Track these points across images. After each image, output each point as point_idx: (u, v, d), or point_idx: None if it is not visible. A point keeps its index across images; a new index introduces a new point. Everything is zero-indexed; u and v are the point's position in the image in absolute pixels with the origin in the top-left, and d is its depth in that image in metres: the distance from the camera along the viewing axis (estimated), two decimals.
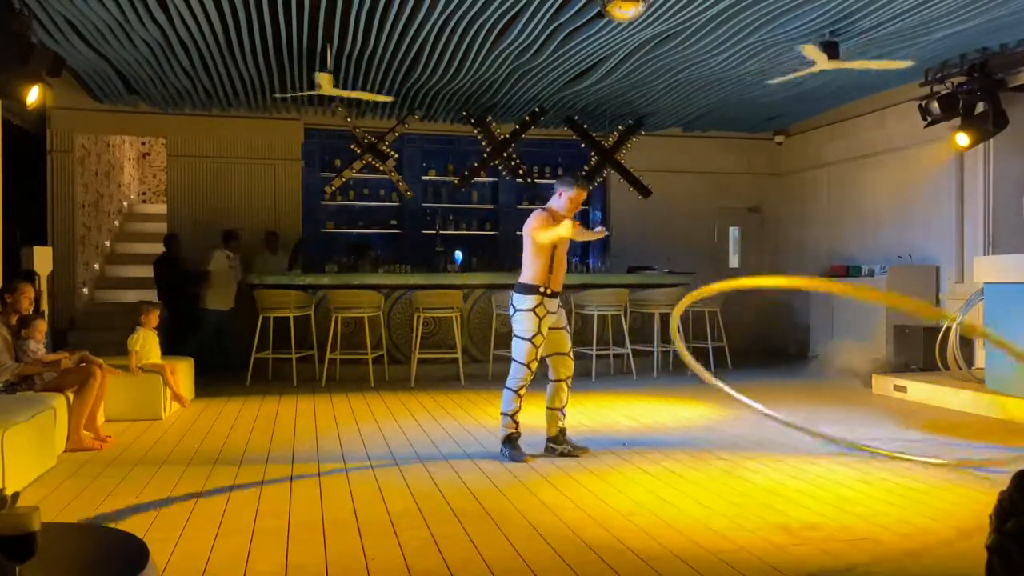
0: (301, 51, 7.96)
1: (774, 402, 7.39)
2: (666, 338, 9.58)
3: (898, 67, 7.51)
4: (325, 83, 7.94)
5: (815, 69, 7.63)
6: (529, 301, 5.11)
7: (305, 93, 8.86)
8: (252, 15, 6.98)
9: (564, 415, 5.37)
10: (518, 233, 5.76)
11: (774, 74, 8.74)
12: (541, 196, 12.01)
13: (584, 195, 5.28)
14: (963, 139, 8.41)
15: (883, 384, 7.92)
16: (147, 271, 10.57)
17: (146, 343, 6.77)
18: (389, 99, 9.07)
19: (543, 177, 11.75)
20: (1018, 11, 6.82)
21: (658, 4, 6.58)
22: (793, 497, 4.19)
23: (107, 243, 12.39)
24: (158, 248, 10.72)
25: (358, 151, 10.39)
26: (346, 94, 8.55)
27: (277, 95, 9.35)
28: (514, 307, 5.20)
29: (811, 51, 7.34)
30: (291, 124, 11.07)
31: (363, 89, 9.13)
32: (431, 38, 7.61)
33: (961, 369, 7.52)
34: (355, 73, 8.71)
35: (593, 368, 8.98)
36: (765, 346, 11.88)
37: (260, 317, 8.78)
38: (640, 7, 6.30)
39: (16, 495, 1.91)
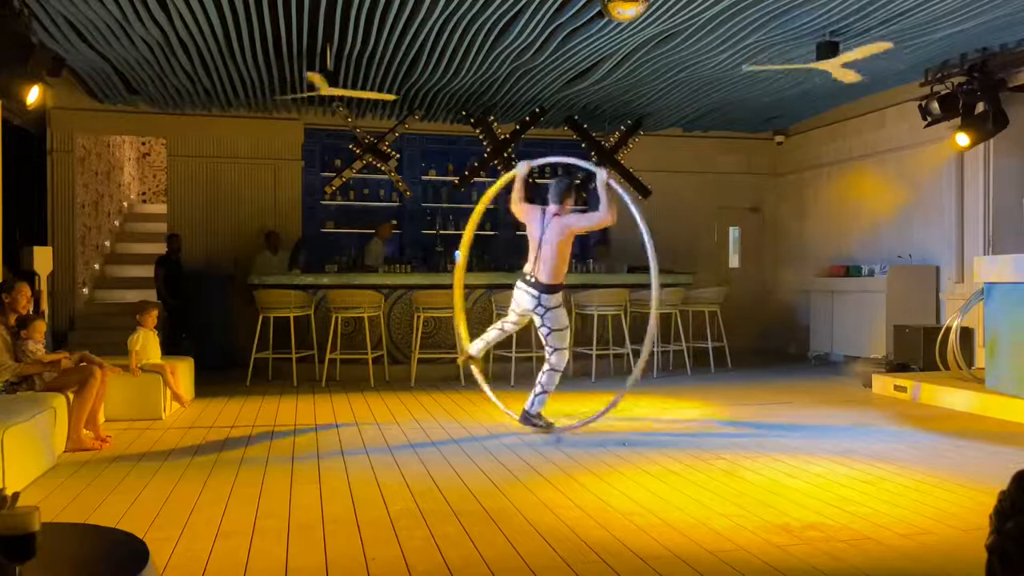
0: (301, 51, 7.96)
1: (774, 402, 7.41)
2: (666, 338, 9.59)
3: (879, 49, 7.35)
4: (318, 82, 7.93)
5: (816, 65, 7.61)
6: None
7: (305, 94, 8.86)
8: (252, 15, 6.98)
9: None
10: (519, 233, 6.01)
11: (774, 74, 8.74)
12: (541, 196, 12.01)
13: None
14: (963, 139, 8.41)
15: (883, 384, 7.92)
16: (147, 271, 10.60)
17: (146, 343, 6.77)
18: (393, 97, 9.05)
19: (543, 177, 11.73)
20: (1018, 11, 6.83)
21: (658, 4, 6.58)
22: (793, 497, 4.19)
23: (107, 243, 12.39)
24: (158, 248, 10.75)
25: (358, 151, 10.39)
26: (346, 93, 8.54)
27: (277, 97, 9.32)
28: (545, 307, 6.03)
29: (841, 73, 7.39)
30: (291, 124, 11.07)
31: (363, 89, 9.12)
32: (431, 38, 7.61)
33: (961, 369, 7.52)
34: (355, 73, 8.71)
35: (593, 368, 8.97)
36: (765, 346, 11.88)
37: (260, 317, 8.78)
38: (640, 7, 6.30)
39: (16, 495, 1.91)
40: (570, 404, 7.04)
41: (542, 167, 11.04)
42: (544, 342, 6.09)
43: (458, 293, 6.79)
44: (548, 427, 5.99)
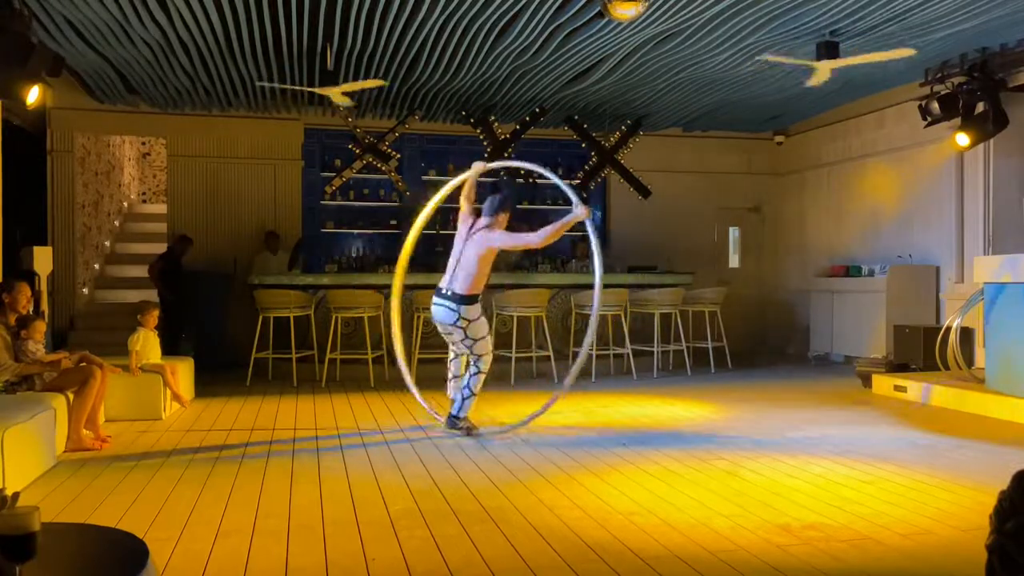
0: (301, 51, 7.96)
1: (774, 402, 7.41)
2: (666, 338, 9.59)
3: (903, 55, 7.35)
4: (337, 98, 7.98)
5: (816, 80, 7.62)
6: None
7: (304, 88, 8.82)
8: (252, 15, 6.98)
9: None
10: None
11: (774, 74, 8.75)
12: (541, 196, 12.03)
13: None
14: (963, 139, 8.41)
15: (883, 384, 7.92)
16: (147, 271, 10.58)
17: (146, 343, 6.77)
18: (383, 83, 8.99)
19: (543, 177, 11.72)
20: (1018, 11, 6.83)
21: (658, 4, 6.58)
22: (793, 497, 4.19)
23: (107, 243, 12.39)
24: (158, 248, 10.72)
25: (358, 151, 10.39)
26: (348, 87, 8.49)
27: (276, 85, 9.19)
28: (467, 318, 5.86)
29: (821, 68, 7.39)
30: (291, 124, 11.07)
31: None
32: (431, 38, 7.61)
33: (961, 369, 7.52)
34: (355, 73, 8.71)
35: (593, 368, 8.97)
36: (765, 346, 11.89)
37: (260, 317, 8.78)
38: (640, 7, 6.30)
39: (16, 495, 1.91)
40: (572, 403, 7.03)
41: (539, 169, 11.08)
42: (469, 352, 5.92)
43: (395, 302, 6.65)
44: (472, 430, 5.92)
